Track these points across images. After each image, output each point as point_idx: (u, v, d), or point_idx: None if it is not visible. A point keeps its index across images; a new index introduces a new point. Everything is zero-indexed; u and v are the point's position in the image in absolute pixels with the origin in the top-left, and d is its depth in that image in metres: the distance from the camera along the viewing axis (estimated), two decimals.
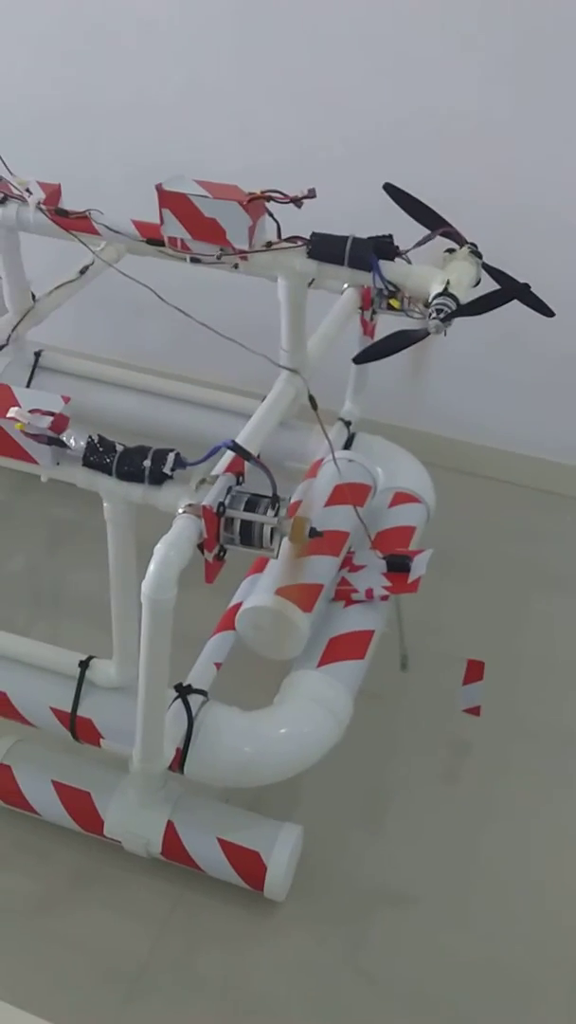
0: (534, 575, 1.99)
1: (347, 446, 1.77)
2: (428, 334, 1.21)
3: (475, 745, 1.65)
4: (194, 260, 1.38)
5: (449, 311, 1.20)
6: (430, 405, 2.17)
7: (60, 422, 1.10)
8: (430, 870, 1.47)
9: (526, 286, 1.21)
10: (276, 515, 1.14)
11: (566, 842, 1.52)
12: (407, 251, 1.31)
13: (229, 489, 1.15)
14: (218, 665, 1.39)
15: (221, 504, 1.13)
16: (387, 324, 1.35)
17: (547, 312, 1.30)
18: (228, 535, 1.15)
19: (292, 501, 1.60)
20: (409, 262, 1.31)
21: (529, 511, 2.15)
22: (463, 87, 1.81)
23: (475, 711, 1.56)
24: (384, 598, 1.51)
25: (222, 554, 1.16)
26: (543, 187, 1.86)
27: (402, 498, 1.70)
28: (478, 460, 2.19)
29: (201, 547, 1.14)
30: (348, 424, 1.78)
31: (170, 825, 1.37)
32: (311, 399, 1.40)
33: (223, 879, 1.38)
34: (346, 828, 1.52)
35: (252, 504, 1.15)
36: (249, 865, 1.35)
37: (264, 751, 1.33)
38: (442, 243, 1.35)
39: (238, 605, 1.42)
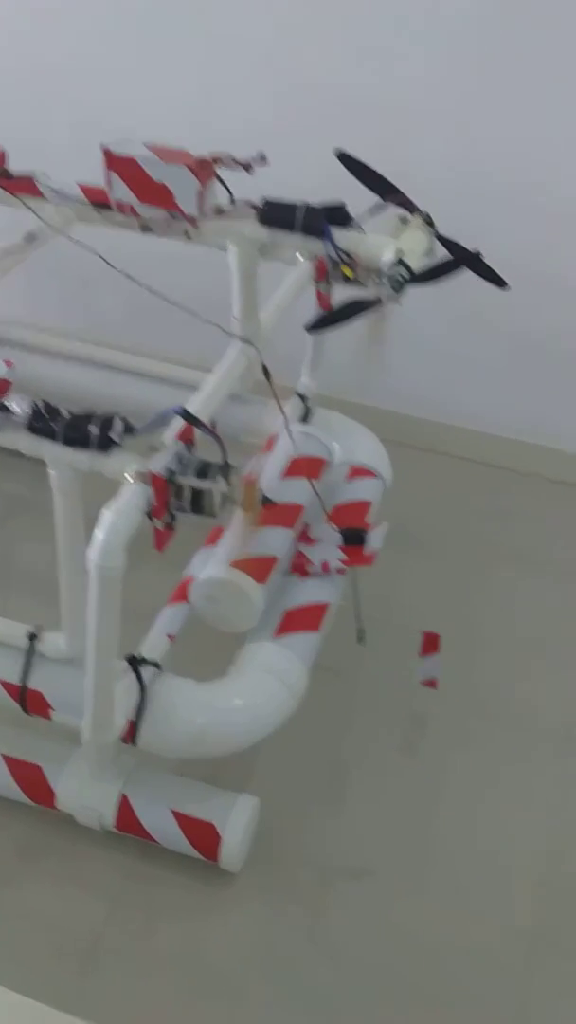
0: (493, 551, 2.00)
1: (304, 421, 1.76)
2: (381, 302, 1.21)
3: (432, 718, 1.66)
4: (145, 229, 1.36)
5: (401, 279, 1.19)
6: (389, 382, 2.17)
7: (1, 386, 1.08)
8: (387, 842, 1.48)
9: (477, 254, 1.21)
10: (227, 482, 1.13)
11: (520, 814, 1.53)
12: (360, 219, 1.30)
13: (179, 456, 1.14)
14: (171, 637, 1.38)
15: (171, 471, 1.12)
16: (344, 296, 1.34)
17: (500, 283, 1.31)
18: (178, 503, 1.14)
19: (251, 473, 1.61)
20: (362, 231, 1.31)
21: (488, 488, 2.16)
22: (418, 55, 1.81)
23: (432, 684, 1.56)
24: (340, 571, 1.51)
25: (172, 522, 1.15)
26: (503, 159, 1.86)
27: (358, 472, 1.70)
28: (437, 437, 2.19)
29: (151, 515, 1.13)
30: (305, 399, 1.77)
31: (123, 797, 1.36)
32: (264, 369, 1.39)
33: (178, 851, 1.38)
34: (303, 800, 1.52)
35: (202, 471, 1.14)
36: (204, 836, 1.35)
37: (218, 722, 1.33)
38: (396, 213, 1.36)
39: (191, 577, 1.41)
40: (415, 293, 1.87)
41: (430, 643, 1.55)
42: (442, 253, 1.32)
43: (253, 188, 1.36)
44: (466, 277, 1.36)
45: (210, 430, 1.15)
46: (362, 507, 1.63)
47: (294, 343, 1.75)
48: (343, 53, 1.84)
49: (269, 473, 1.55)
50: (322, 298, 1.68)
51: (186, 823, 1.35)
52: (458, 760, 1.60)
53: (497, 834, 1.50)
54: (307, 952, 1.34)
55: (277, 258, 1.51)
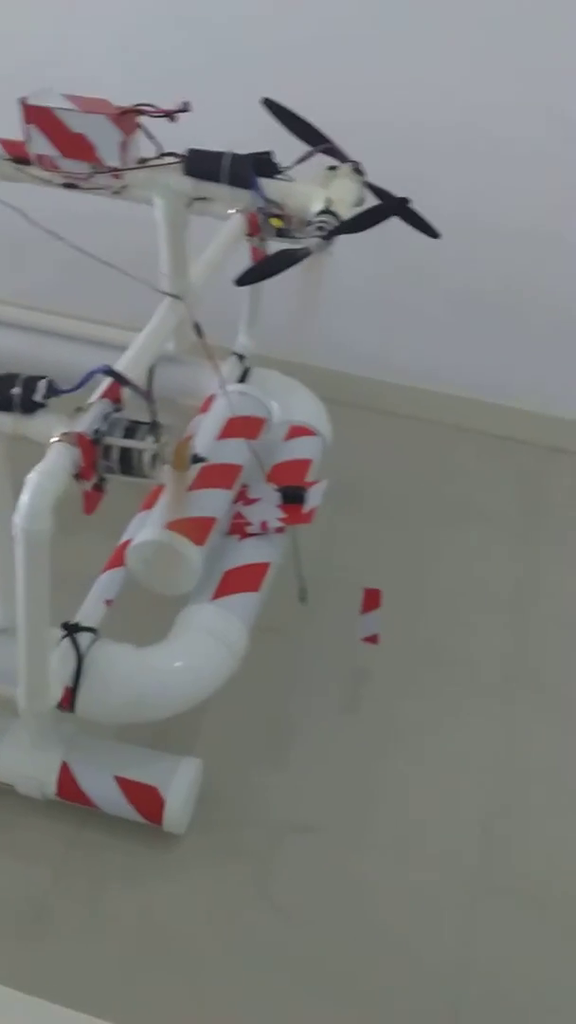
0: (435, 507, 2.01)
1: (242, 380, 1.73)
2: (310, 252, 1.18)
3: (375, 673, 1.66)
4: (68, 186, 1.31)
5: (330, 228, 1.17)
6: (328, 340, 2.13)
7: None
8: (332, 797, 1.48)
9: (404, 200, 1.19)
10: (157, 441, 1.11)
11: (463, 764, 1.55)
12: (288, 168, 1.27)
13: (106, 416, 1.11)
14: (108, 602, 1.36)
15: (98, 431, 1.09)
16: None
17: (432, 233, 1.29)
18: (107, 463, 1.11)
19: (184, 436, 1.58)
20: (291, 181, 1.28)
21: (429, 444, 2.16)
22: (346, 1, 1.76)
23: (373, 639, 1.56)
24: (279, 530, 1.49)
25: (102, 484, 1.12)
26: (435, 105, 1.83)
27: (297, 431, 1.68)
28: (377, 394, 2.18)
29: (78, 476, 1.10)
30: (242, 358, 1.75)
31: (64, 766, 1.34)
32: (196, 326, 1.36)
33: (122, 816, 1.37)
34: (249, 760, 1.52)
35: (131, 430, 1.11)
36: (147, 800, 1.34)
37: (158, 685, 1.32)
38: (325, 162, 1.33)
39: (128, 542, 1.39)
40: (350, 247, 1.85)
41: (371, 599, 1.55)
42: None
43: (187, 141, 1.32)
44: (402, 231, 1.34)
45: (137, 387, 1.12)
46: (302, 466, 1.62)
47: (231, 302, 1.72)
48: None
49: (205, 434, 1.53)
50: (256, 253, 1.65)
51: (129, 788, 1.34)
52: (401, 714, 1.61)
53: (440, 784, 1.51)
54: (257, 908, 1.35)
55: (208, 213, 1.47)
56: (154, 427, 1.12)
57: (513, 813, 1.48)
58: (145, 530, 1.36)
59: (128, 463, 1.10)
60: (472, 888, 1.38)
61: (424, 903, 1.36)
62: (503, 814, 1.48)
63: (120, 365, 1.22)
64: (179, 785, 1.34)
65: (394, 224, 1.30)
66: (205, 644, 1.35)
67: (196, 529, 1.37)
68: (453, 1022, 1.24)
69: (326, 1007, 1.25)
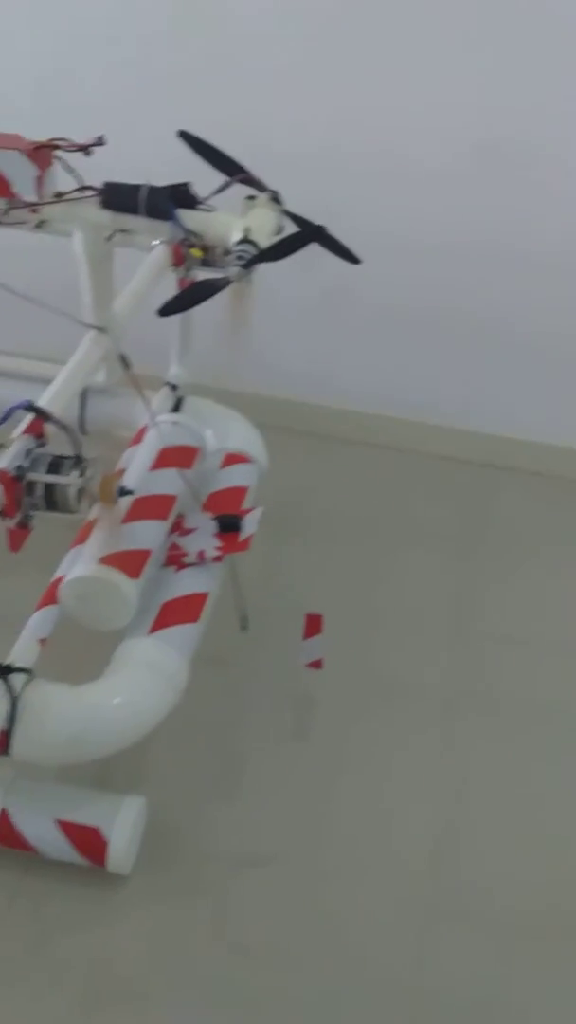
0: (375, 530, 2.01)
1: (175, 410, 1.73)
2: (231, 281, 1.19)
3: (323, 701, 1.65)
4: None
5: (249, 257, 1.17)
6: (261, 366, 2.15)
7: None
8: (285, 828, 1.46)
9: (321, 228, 1.20)
10: (81, 475, 1.10)
11: (412, 788, 1.54)
12: (207, 199, 1.28)
13: (29, 452, 1.10)
14: (43, 641, 1.33)
15: (20, 467, 1.07)
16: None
17: (351, 258, 1.30)
18: (31, 500, 1.10)
19: (117, 469, 1.57)
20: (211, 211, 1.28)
21: (367, 467, 2.16)
22: (264, 23, 1.78)
23: (317, 664, 1.55)
24: (217, 559, 1.48)
25: (27, 521, 1.11)
26: (356, 131, 1.86)
27: (233, 459, 1.67)
28: (312, 419, 2.19)
29: (2, 514, 1.08)
30: (175, 388, 1.74)
31: (3, 812, 1.30)
32: (122, 358, 1.35)
33: (65, 860, 1.33)
34: (198, 795, 1.50)
35: (55, 465, 1.10)
36: (89, 842, 1.31)
37: (97, 723, 1.29)
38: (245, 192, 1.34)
39: (61, 578, 1.36)
40: (278, 273, 1.87)
41: (312, 624, 1.54)
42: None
43: (109, 174, 1.32)
44: (327, 255, 1.35)
45: (60, 423, 1.11)
46: (238, 493, 1.61)
47: (162, 333, 1.72)
48: (184, 25, 1.81)
49: (138, 465, 1.52)
50: (182, 284, 1.64)
51: (70, 831, 1.31)
52: (349, 739, 1.60)
53: (391, 809, 1.50)
54: (212, 945, 1.32)
55: (131, 245, 1.47)
56: (79, 461, 1.11)
57: (462, 834, 1.48)
58: (78, 566, 1.33)
59: (53, 499, 1.09)
60: (425, 912, 1.37)
61: (378, 929, 1.35)
62: (452, 835, 1.47)
63: (43, 400, 1.20)
64: (122, 825, 1.31)
65: (320, 249, 1.32)
66: (144, 678, 1.32)
67: (130, 562, 1.35)
68: None
69: None
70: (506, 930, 1.36)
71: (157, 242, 1.53)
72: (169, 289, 1.62)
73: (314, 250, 1.30)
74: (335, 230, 1.29)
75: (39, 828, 1.31)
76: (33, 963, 1.28)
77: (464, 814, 1.50)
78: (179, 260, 1.57)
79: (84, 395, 1.70)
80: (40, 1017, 1.23)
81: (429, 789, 1.53)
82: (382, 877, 1.41)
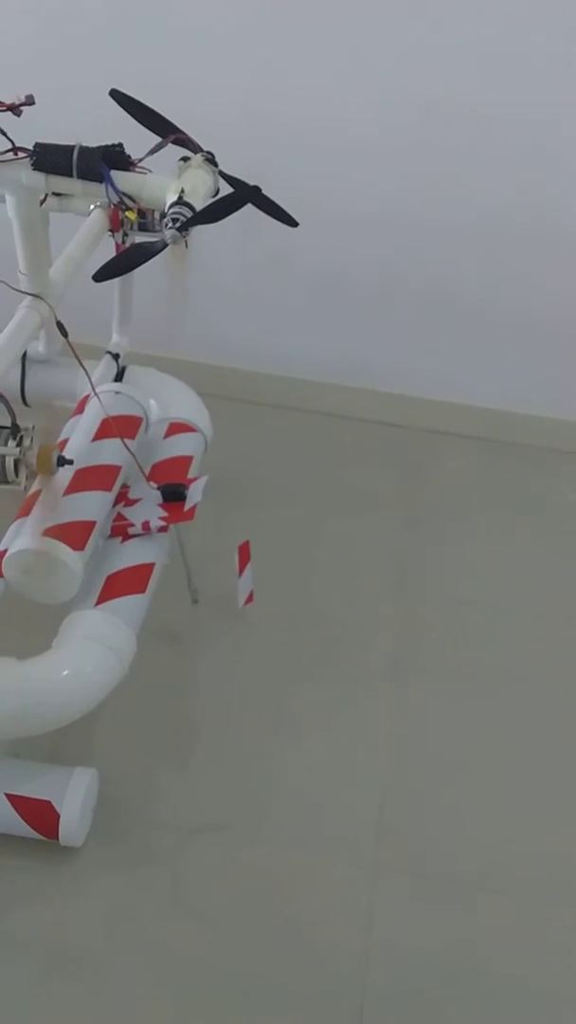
0: (320, 495, 2.01)
1: (118, 379, 1.70)
2: (166, 245, 1.16)
3: (270, 668, 1.65)
4: None
5: (184, 219, 1.15)
6: (203, 335, 2.13)
7: None
8: (234, 795, 1.47)
9: (256, 188, 1.18)
10: (19, 445, 1.07)
11: (360, 748, 1.56)
12: (140, 160, 1.25)
13: None
14: None
15: None
16: None
17: (288, 220, 1.28)
18: None
19: (60, 440, 1.54)
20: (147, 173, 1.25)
21: (310, 434, 2.16)
22: None
23: (249, 599, 1.54)
24: (162, 529, 1.47)
25: None
26: (293, 104, 1.84)
27: (177, 428, 1.66)
28: (256, 387, 2.17)
29: None
30: (116, 357, 1.71)
31: None
32: (60, 326, 1.32)
33: (17, 835, 1.33)
34: (149, 765, 1.49)
35: None
36: (41, 815, 1.30)
37: (45, 696, 1.28)
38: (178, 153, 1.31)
39: (4, 552, 1.34)
40: (217, 245, 1.84)
41: (244, 556, 1.52)
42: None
43: (41, 135, 1.28)
44: (264, 223, 1.33)
45: None
46: (183, 463, 1.60)
47: (103, 301, 1.69)
48: None
49: (80, 436, 1.49)
50: (120, 249, 1.62)
51: (21, 805, 1.30)
52: (298, 704, 1.61)
53: (339, 772, 1.52)
54: (167, 915, 1.33)
55: (68, 209, 1.44)
56: (15, 431, 1.08)
57: (409, 794, 1.50)
58: (21, 538, 1.31)
59: None
60: (371, 872, 1.39)
61: (329, 891, 1.37)
62: (400, 795, 1.49)
63: None
64: (73, 797, 1.30)
65: (258, 217, 1.30)
66: (91, 651, 1.31)
67: (74, 534, 1.34)
68: (359, 1007, 1.25)
69: (241, 1006, 1.24)
70: (455, 887, 1.39)
71: (94, 206, 1.50)
72: (108, 255, 1.60)
73: (252, 220, 1.28)
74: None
75: None
76: None
77: (411, 774, 1.52)
78: (117, 225, 1.54)
79: (24, 365, 1.66)
80: None
81: (376, 750, 1.55)
82: (331, 838, 1.43)
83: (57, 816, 1.30)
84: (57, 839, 1.32)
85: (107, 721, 1.48)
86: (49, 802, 1.30)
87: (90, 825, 1.36)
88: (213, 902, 1.34)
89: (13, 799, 1.30)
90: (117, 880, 1.35)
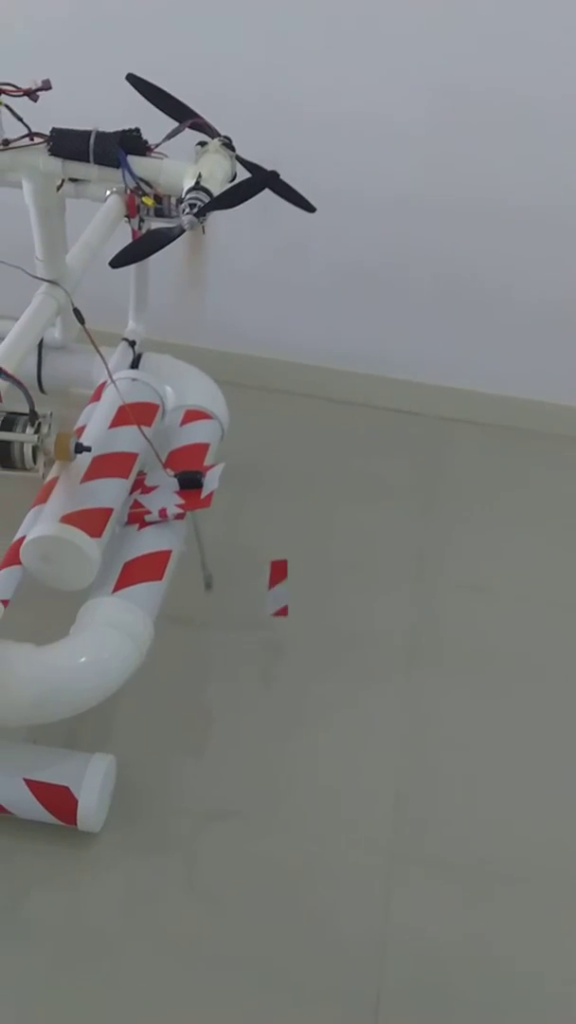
0: (336, 483, 2.01)
1: (134, 366, 1.70)
2: (183, 231, 1.16)
3: (286, 654, 1.66)
4: None
5: (202, 204, 1.14)
6: (219, 322, 2.13)
7: None
8: (251, 782, 1.47)
9: (274, 173, 1.17)
10: (36, 432, 1.07)
11: (375, 738, 1.55)
12: (158, 145, 1.24)
13: None
14: (5, 602, 1.31)
15: None
16: None
17: (306, 206, 1.28)
18: None
19: (77, 427, 1.54)
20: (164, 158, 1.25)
21: (326, 422, 2.15)
22: None
23: (283, 612, 1.55)
24: (179, 517, 1.47)
25: None
26: (314, 91, 1.82)
27: (193, 415, 1.65)
28: (272, 374, 2.16)
29: None
30: (133, 344, 1.71)
31: None
32: (76, 312, 1.32)
33: (35, 819, 1.33)
34: (165, 752, 1.50)
35: (9, 423, 1.08)
36: (59, 801, 1.31)
37: (62, 683, 1.29)
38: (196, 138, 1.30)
39: (23, 539, 1.34)
40: (233, 232, 1.83)
41: (278, 571, 1.53)
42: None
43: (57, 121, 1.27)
44: (282, 209, 1.33)
45: (12, 378, 1.08)
46: (199, 450, 1.60)
47: (120, 287, 1.68)
48: None
49: (97, 423, 1.49)
50: (136, 235, 1.61)
51: (40, 790, 1.31)
52: (314, 691, 1.61)
53: (356, 759, 1.52)
54: (184, 901, 1.33)
55: (84, 195, 1.43)
56: (34, 418, 1.09)
57: (426, 782, 1.50)
58: (39, 525, 1.32)
59: (8, 457, 1.07)
60: (390, 859, 1.39)
61: (344, 879, 1.37)
62: (416, 783, 1.49)
63: None
64: (91, 783, 1.31)
65: (275, 203, 1.29)
66: (109, 638, 1.32)
67: (92, 521, 1.34)
68: (375, 996, 1.25)
69: (256, 992, 1.25)
70: (472, 877, 1.39)
71: (110, 192, 1.50)
72: (124, 242, 1.59)
73: (269, 206, 1.27)
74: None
75: (9, 788, 1.31)
76: (5, 922, 1.29)
77: (427, 762, 1.52)
78: (133, 211, 1.54)
79: (41, 353, 1.67)
80: (14, 974, 1.24)
81: (393, 738, 1.55)
82: (347, 826, 1.43)
83: (75, 802, 1.30)
84: (75, 824, 1.32)
85: (124, 707, 1.49)
86: (67, 788, 1.31)
87: (107, 811, 1.37)
88: (229, 888, 1.35)
89: (32, 784, 1.31)
90: (134, 865, 1.36)
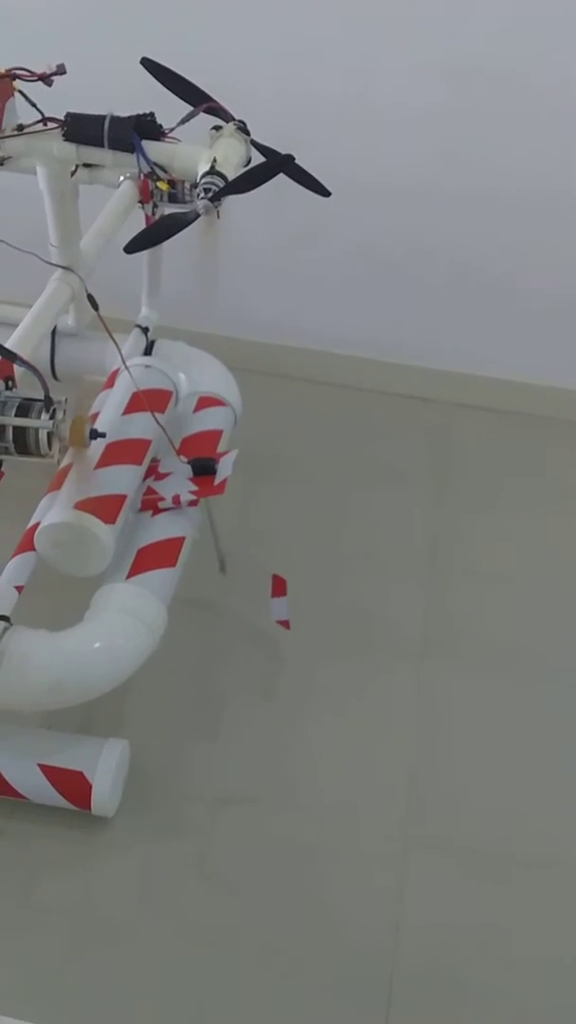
0: (348, 469, 2.00)
1: (147, 353, 1.70)
2: (198, 216, 1.15)
3: (300, 641, 1.65)
4: None
5: (217, 189, 1.14)
6: (233, 309, 2.12)
7: None
8: (264, 767, 1.48)
9: (290, 157, 1.17)
10: (51, 418, 1.07)
11: (389, 723, 1.56)
12: (172, 130, 1.24)
13: None
14: (19, 588, 1.32)
15: None
16: None
17: (321, 190, 1.27)
18: (1, 444, 1.07)
19: (91, 413, 1.54)
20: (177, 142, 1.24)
21: (338, 408, 2.14)
22: None
23: (284, 624, 1.54)
24: (192, 503, 1.47)
25: None
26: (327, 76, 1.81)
27: (206, 402, 1.65)
28: (285, 361, 2.15)
29: None
30: (146, 331, 1.71)
31: None
32: (90, 298, 1.32)
33: (49, 804, 1.34)
34: (179, 737, 1.51)
35: (24, 409, 1.07)
36: (73, 786, 1.32)
37: (77, 668, 1.29)
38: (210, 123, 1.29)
39: (37, 525, 1.35)
40: (247, 218, 1.82)
41: (278, 586, 1.53)
42: None
43: (75, 106, 1.27)
44: (296, 196, 1.32)
45: (27, 364, 1.08)
46: (212, 437, 1.60)
47: (133, 274, 1.68)
48: None
49: (111, 409, 1.49)
50: (150, 221, 1.61)
51: (54, 775, 1.31)
52: (326, 676, 1.61)
53: (368, 745, 1.52)
54: (197, 886, 1.34)
55: (98, 181, 1.43)
56: (48, 404, 1.08)
57: (439, 768, 1.50)
58: (53, 512, 1.32)
59: (23, 443, 1.07)
60: (402, 846, 1.40)
61: (357, 865, 1.37)
62: (429, 771, 1.49)
63: (11, 342, 1.17)
64: (105, 768, 1.32)
65: (288, 189, 1.28)
66: (122, 624, 1.32)
67: (106, 507, 1.34)
68: (388, 981, 1.26)
69: (270, 979, 1.25)
70: (487, 862, 1.39)
71: (124, 177, 1.49)
72: (137, 228, 1.58)
73: (282, 191, 1.26)
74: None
75: (22, 773, 1.32)
76: (20, 905, 1.30)
77: (441, 748, 1.52)
78: (147, 196, 1.53)
79: (54, 340, 1.66)
80: (28, 958, 1.25)
81: (405, 725, 1.55)
82: (361, 812, 1.43)
83: (89, 786, 1.31)
84: (89, 809, 1.33)
85: (138, 692, 1.49)
86: (81, 773, 1.31)
87: (121, 795, 1.38)
88: (242, 873, 1.35)
89: (46, 769, 1.32)
90: (148, 849, 1.37)
